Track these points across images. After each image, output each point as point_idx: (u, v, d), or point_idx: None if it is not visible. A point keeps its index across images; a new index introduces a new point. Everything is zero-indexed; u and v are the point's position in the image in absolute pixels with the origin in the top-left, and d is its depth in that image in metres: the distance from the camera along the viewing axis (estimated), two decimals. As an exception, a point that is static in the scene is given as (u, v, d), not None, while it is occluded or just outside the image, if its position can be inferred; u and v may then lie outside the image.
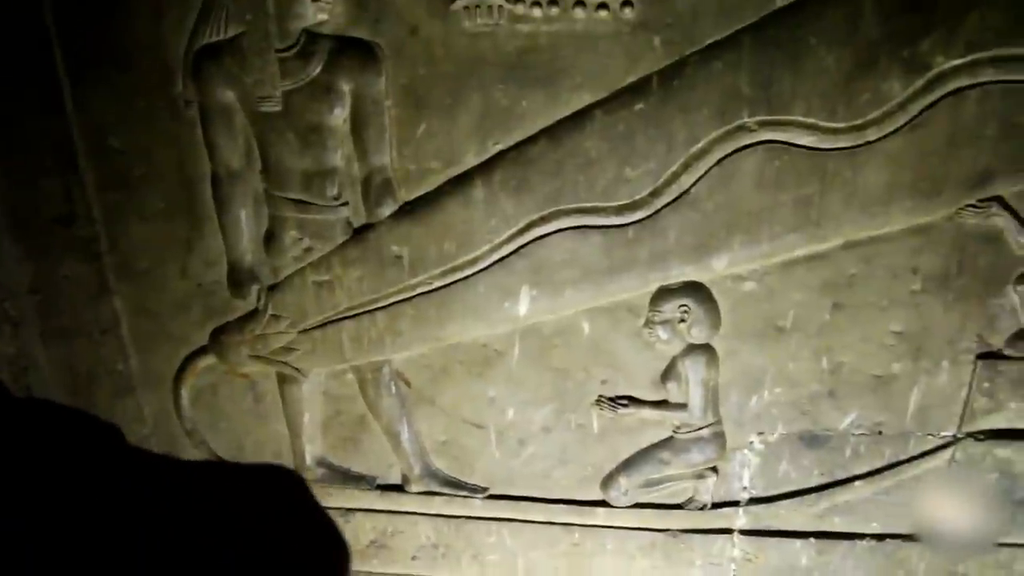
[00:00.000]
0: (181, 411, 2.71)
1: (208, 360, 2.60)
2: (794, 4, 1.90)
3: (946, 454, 2.38)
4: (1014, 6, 1.84)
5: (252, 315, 2.49)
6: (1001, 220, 2.07)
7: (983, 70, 1.89)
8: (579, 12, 1.97)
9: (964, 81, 1.91)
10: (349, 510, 2.79)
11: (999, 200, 2.05)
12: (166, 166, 2.35)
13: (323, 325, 2.45)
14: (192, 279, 2.49)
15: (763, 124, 2.02)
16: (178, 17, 2.15)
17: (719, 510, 2.57)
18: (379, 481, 2.74)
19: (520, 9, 1.99)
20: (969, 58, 1.88)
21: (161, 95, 2.26)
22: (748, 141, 2.04)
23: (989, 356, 2.25)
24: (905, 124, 1.96)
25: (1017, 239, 2.08)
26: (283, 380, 2.60)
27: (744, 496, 2.54)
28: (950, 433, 2.36)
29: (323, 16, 2.08)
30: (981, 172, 2.01)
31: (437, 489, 2.68)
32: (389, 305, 2.38)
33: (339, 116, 2.18)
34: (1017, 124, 1.95)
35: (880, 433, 2.39)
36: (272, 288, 2.43)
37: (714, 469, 2.51)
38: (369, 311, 2.40)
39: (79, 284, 2.56)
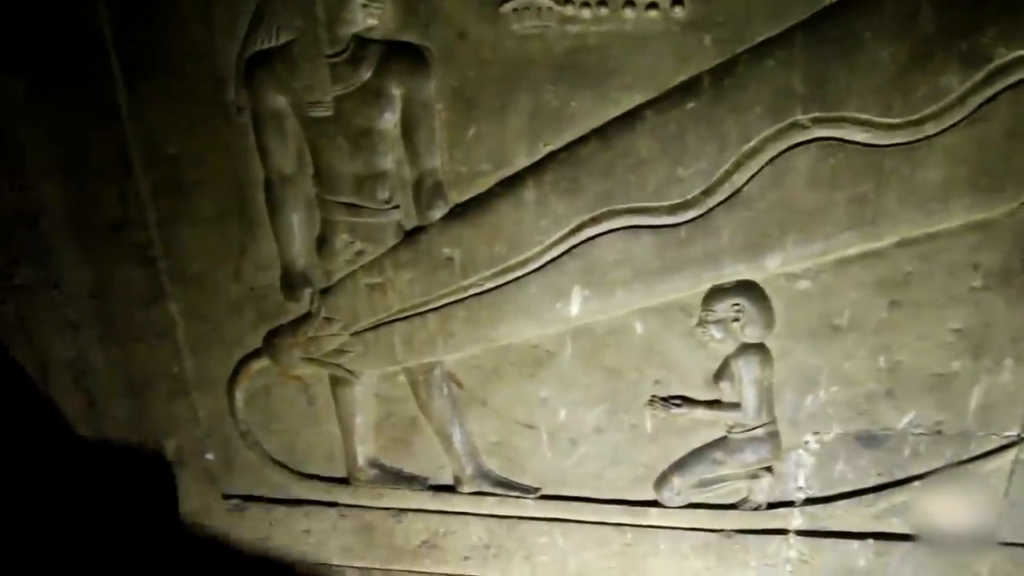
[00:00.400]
0: (235, 413, 2.75)
1: (261, 363, 2.64)
2: (847, -1, 1.87)
3: (1010, 454, 2.33)
4: (1078, -5, 1.79)
5: (305, 318, 2.52)
6: (1064, 215, 2.02)
7: (1045, 61, 1.85)
8: (629, 12, 1.95)
9: (1024, 73, 1.86)
10: (401, 511, 2.81)
11: (1062, 195, 2.00)
12: (219, 171, 2.38)
13: (375, 327, 2.47)
14: (245, 283, 2.52)
15: (817, 121, 1.99)
16: (229, 25, 2.18)
17: (774, 510, 2.54)
18: (431, 482, 2.75)
19: (569, 10, 1.98)
20: (1034, 48, 1.84)
21: (214, 102, 2.29)
22: (801, 139, 2.01)
23: (1053, 354, 2.20)
24: (964, 118, 1.92)
25: (1082, 233, 2.03)
26: (335, 382, 2.63)
27: (799, 496, 2.51)
28: (1014, 433, 2.31)
29: (373, 21, 2.09)
30: (1043, 166, 1.96)
31: (489, 489, 2.69)
32: (441, 307, 2.39)
33: (390, 120, 2.19)
34: (1080, 116, 1.90)
35: (940, 433, 2.34)
36: (324, 291, 2.46)
37: (769, 469, 2.48)
38: (421, 313, 2.41)
39: (134, 289, 2.61)
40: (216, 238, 2.48)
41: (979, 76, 1.87)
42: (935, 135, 1.95)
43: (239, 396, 2.72)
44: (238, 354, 2.66)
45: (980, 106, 1.90)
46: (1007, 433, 2.31)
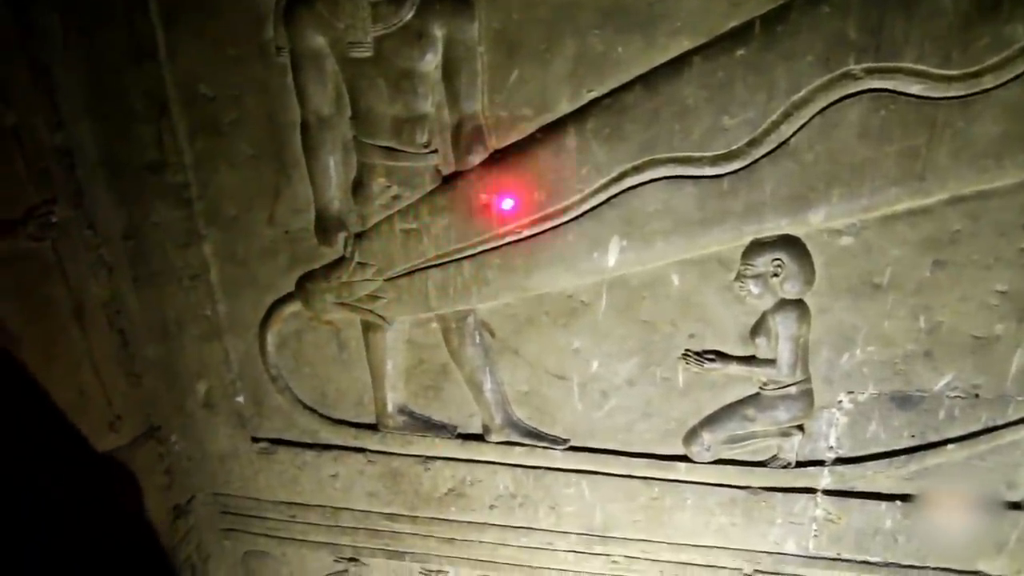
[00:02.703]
0: (266, 357, 2.77)
1: (294, 307, 2.64)
2: (909, -57, 1.81)
3: (1047, 420, 2.30)
4: None
5: (338, 263, 2.51)
6: (1122, 175, 1.96)
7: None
8: (681, -46, 1.91)
9: (1095, 23, 1.80)
10: (429, 458, 2.83)
11: (1122, 154, 1.94)
12: (256, 113, 2.37)
13: (409, 273, 2.46)
14: (280, 226, 2.52)
15: (870, 71, 1.94)
16: (271, -38, 2.14)
17: (803, 469, 2.53)
18: (460, 430, 2.76)
19: (619, -49, 1.93)
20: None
21: (252, 42, 2.27)
22: (853, 90, 1.97)
23: (1098, 319, 2.16)
24: (1024, 72, 1.86)
25: None
26: (367, 328, 2.63)
27: (830, 456, 2.49)
28: (1053, 399, 2.28)
29: (417, -40, 2.05)
30: (1104, 124, 1.91)
31: (517, 440, 2.69)
32: (476, 254, 2.37)
33: (431, 62, 2.16)
34: None
35: (977, 396, 2.31)
36: (359, 236, 2.45)
37: (800, 427, 2.47)
38: (456, 260, 2.40)
39: (169, 230, 2.61)
40: (251, 180, 2.47)
41: (1046, 25, 1.81)
42: (993, 88, 1.89)
43: (270, 340, 2.74)
44: (271, 298, 2.66)
45: (1044, 59, 1.85)
46: (1047, 399, 2.28)
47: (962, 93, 1.92)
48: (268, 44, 2.26)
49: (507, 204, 2.26)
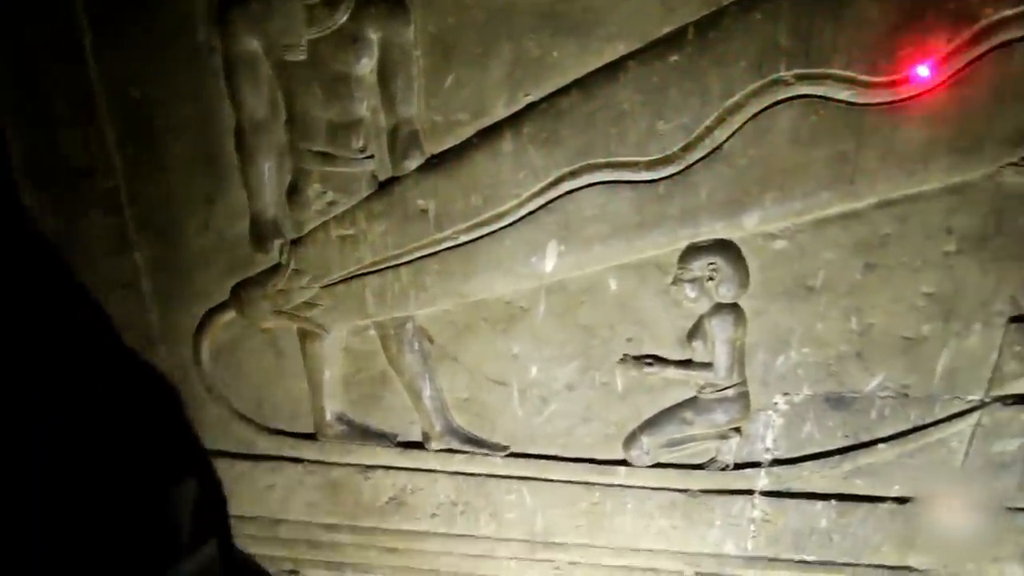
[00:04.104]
0: (201, 366, 2.70)
1: (229, 315, 2.59)
2: (837, -47, 1.85)
3: (972, 418, 2.36)
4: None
5: (274, 270, 2.48)
6: (1042, 180, 2.03)
7: (1032, 22, 1.85)
8: (615, -41, 1.92)
9: (1014, 33, 1.85)
10: (369, 467, 2.79)
11: (1041, 158, 2.01)
12: (189, 117, 2.32)
13: (346, 280, 2.43)
14: (214, 233, 2.47)
15: (801, 78, 1.98)
16: (203, -38, 2.10)
17: (741, 471, 2.56)
18: (400, 438, 2.73)
19: (555, -45, 1.94)
20: (1019, 9, 1.83)
21: (184, 44, 2.23)
22: (784, 95, 2.01)
23: (1021, 319, 2.22)
24: (949, 78, 1.91)
25: (1058, 199, 2.05)
26: (305, 336, 2.59)
27: (767, 457, 2.53)
28: (977, 397, 2.34)
29: (351, -38, 2.04)
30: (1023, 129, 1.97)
31: (458, 446, 2.68)
32: (414, 260, 2.36)
33: (366, 66, 2.14)
34: (1067, 79, 1.90)
35: (906, 396, 2.37)
36: (295, 242, 2.42)
37: (737, 430, 2.50)
38: (393, 266, 2.38)
39: (100, 238, 2.53)
40: (184, 186, 2.42)
41: (966, 35, 1.87)
42: (919, 95, 1.94)
43: (206, 349, 2.68)
44: (205, 306, 2.61)
45: (966, 66, 1.90)
46: (971, 397, 2.34)
47: (888, 100, 1.96)
48: (201, 47, 2.22)
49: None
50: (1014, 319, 2.22)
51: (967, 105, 1.94)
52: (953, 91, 1.93)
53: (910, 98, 1.95)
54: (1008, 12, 1.83)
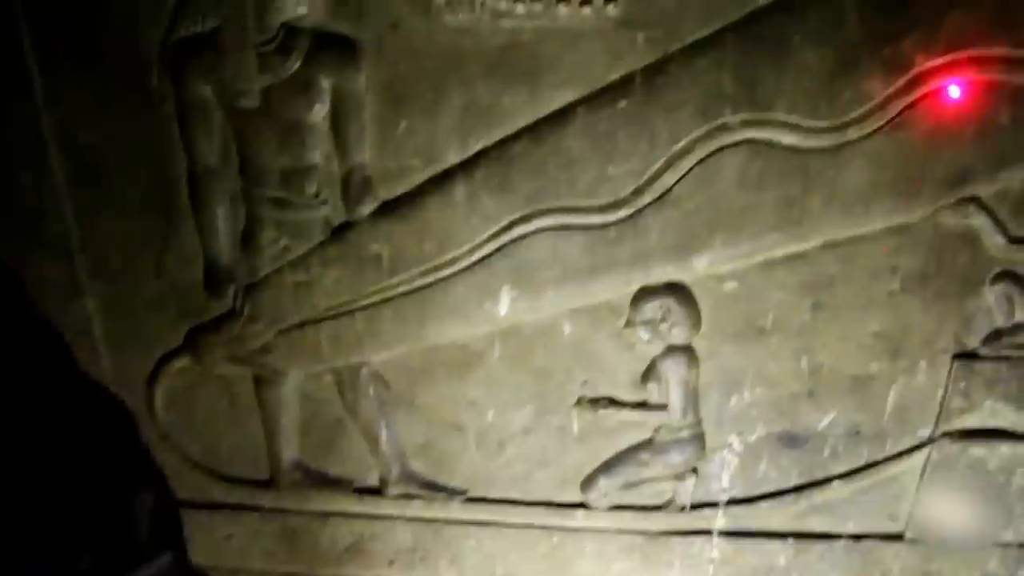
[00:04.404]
0: (154, 414, 2.66)
1: (183, 361, 2.56)
2: (778, 2, 1.90)
3: (922, 454, 2.40)
4: (993, 7, 1.86)
5: (229, 315, 2.45)
6: (978, 220, 2.08)
7: (963, 69, 1.91)
8: (562, 8, 1.95)
9: (943, 80, 1.92)
10: (326, 514, 2.76)
11: (976, 200, 2.06)
12: (141, 162, 2.30)
13: (301, 326, 2.42)
14: (167, 278, 2.45)
15: (746, 123, 2.02)
16: (155, 8, 2.10)
17: (698, 511, 2.56)
18: (357, 484, 2.70)
19: (503, 4, 1.97)
20: (949, 57, 1.90)
21: (136, 88, 2.21)
22: (731, 140, 2.04)
23: (965, 356, 2.27)
24: (886, 123, 1.97)
25: (993, 239, 2.10)
26: (260, 382, 2.57)
27: (723, 497, 2.54)
28: (926, 433, 2.37)
29: (303, 10, 2.04)
30: (959, 172, 2.02)
31: (416, 492, 2.65)
32: (368, 305, 2.36)
33: (318, 113, 2.15)
34: (994, 124, 1.96)
35: (858, 433, 2.40)
36: (249, 288, 2.40)
37: (694, 470, 2.50)
38: (348, 311, 2.37)
39: (51, 283, 2.50)
40: (137, 231, 2.40)
41: (901, 82, 1.93)
42: (859, 139, 2.00)
43: (159, 396, 2.64)
44: (158, 352, 2.57)
45: (901, 112, 1.96)
46: (921, 433, 2.38)
47: (831, 144, 2.01)
48: (154, 92, 2.21)
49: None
50: (958, 356, 2.27)
51: (905, 149, 2.00)
52: (892, 135, 1.98)
53: (850, 143, 2.00)
54: (939, 60, 1.90)
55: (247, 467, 2.74)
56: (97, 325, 2.56)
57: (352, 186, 2.22)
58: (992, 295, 2.19)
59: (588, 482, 2.55)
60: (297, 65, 2.10)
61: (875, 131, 1.98)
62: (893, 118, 1.96)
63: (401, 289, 2.32)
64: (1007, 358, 2.26)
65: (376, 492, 2.69)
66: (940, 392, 2.32)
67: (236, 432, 2.68)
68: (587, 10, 1.95)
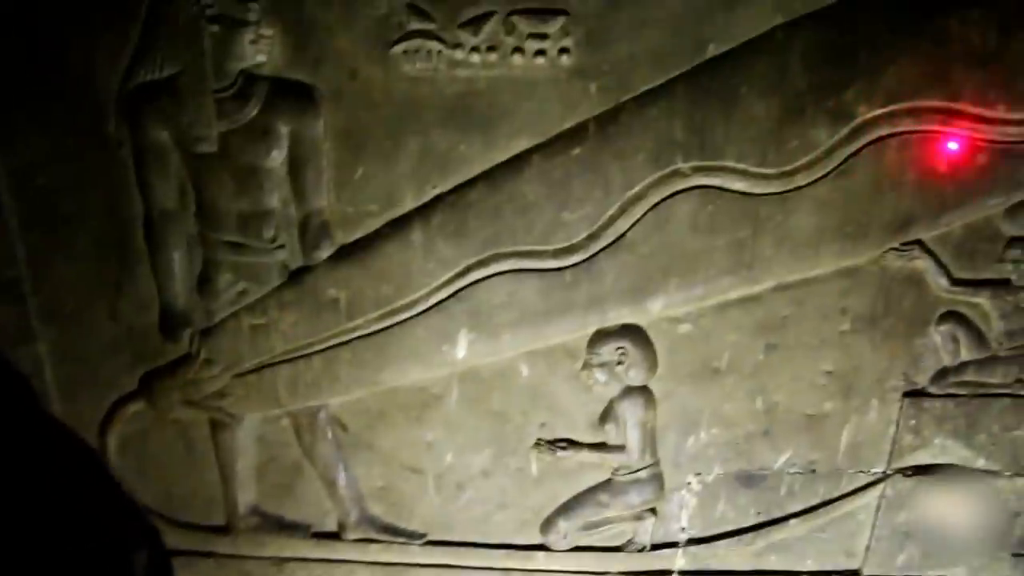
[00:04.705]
0: (108, 459, 2.62)
1: (137, 406, 2.53)
2: (726, 54, 1.96)
3: (876, 490, 2.44)
4: (928, 62, 1.93)
5: (184, 359, 2.43)
6: (922, 263, 2.15)
7: (902, 120, 1.98)
8: (517, 58, 1.99)
9: (885, 130, 1.99)
10: (283, 560, 2.72)
11: (920, 244, 2.13)
12: (96, 205, 2.29)
13: (258, 369, 2.41)
14: (122, 322, 2.42)
15: (697, 169, 2.07)
16: (112, 53, 2.11)
17: (658, 551, 2.58)
18: (314, 529, 2.68)
19: (459, 54, 2.01)
20: (889, 108, 1.97)
21: (92, 132, 2.21)
22: (683, 186, 2.09)
23: (915, 394, 2.33)
24: (831, 170, 2.03)
25: (937, 281, 2.17)
26: (216, 426, 2.54)
27: (683, 537, 2.55)
28: (880, 469, 2.42)
29: (262, 57, 2.06)
30: (903, 217, 2.09)
31: (374, 536, 2.64)
32: (326, 349, 2.35)
33: (276, 158, 2.16)
34: (934, 171, 2.03)
35: (814, 471, 2.43)
36: (205, 332, 2.38)
37: (652, 510, 2.52)
38: (305, 355, 2.37)
39: (1, 328, 2.46)
40: (91, 275, 2.38)
41: (844, 131, 1.99)
42: (806, 185, 2.05)
43: (112, 441, 2.60)
44: (112, 396, 2.54)
45: (846, 159, 2.02)
46: (874, 470, 2.42)
47: (779, 190, 2.07)
48: (110, 136, 2.20)
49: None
50: (908, 394, 2.32)
51: (850, 195, 2.06)
52: (837, 182, 2.05)
53: (798, 188, 2.06)
54: (879, 111, 1.97)
55: (202, 513, 2.70)
56: (48, 370, 2.51)
57: (309, 230, 2.23)
58: (938, 335, 2.25)
59: (547, 524, 2.56)
60: (255, 111, 2.11)
61: (821, 177, 2.04)
62: (838, 165, 2.03)
63: (359, 333, 2.32)
64: (954, 396, 2.32)
65: (334, 536, 2.67)
66: (892, 429, 2.37)
67: (191, 477, 2.65)
68: (541, 60, 2.00)
